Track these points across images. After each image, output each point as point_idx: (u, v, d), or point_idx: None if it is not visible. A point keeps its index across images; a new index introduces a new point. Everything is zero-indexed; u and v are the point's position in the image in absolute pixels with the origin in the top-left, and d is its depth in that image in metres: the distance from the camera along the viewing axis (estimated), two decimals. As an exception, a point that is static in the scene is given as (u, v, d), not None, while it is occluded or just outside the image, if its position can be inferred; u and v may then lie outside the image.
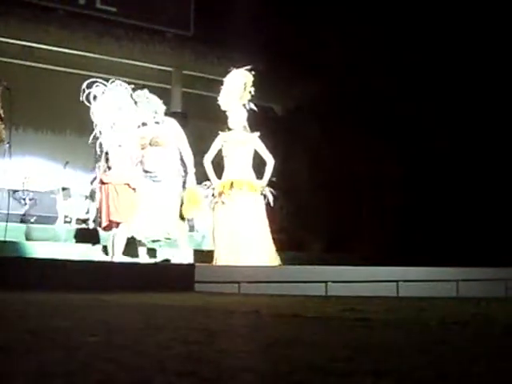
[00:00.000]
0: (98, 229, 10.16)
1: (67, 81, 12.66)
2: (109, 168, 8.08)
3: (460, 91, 11.49)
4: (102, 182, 7.99)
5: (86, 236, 9.65)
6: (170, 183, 8.04)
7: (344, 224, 12.70)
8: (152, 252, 8.55)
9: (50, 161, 12.66)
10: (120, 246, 7.85)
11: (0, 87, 8.51)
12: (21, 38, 11.92)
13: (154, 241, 8.27)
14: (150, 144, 8.09)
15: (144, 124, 8.29)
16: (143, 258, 8.11)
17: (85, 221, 11.43)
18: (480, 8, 11.29)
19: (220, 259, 7.64)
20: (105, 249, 8.52)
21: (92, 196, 11.06)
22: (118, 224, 7.88)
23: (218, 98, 8.23)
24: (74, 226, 10.95)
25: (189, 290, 5.78)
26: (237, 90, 8.18)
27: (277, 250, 8.30)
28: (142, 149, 8.08)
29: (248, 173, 8.04)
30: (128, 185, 7.92)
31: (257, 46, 12.40)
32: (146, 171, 8.06)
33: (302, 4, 13.19)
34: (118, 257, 7.77)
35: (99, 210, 8.25)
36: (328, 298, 5.80)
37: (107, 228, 8.03)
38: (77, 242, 9.33)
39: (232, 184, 7.89)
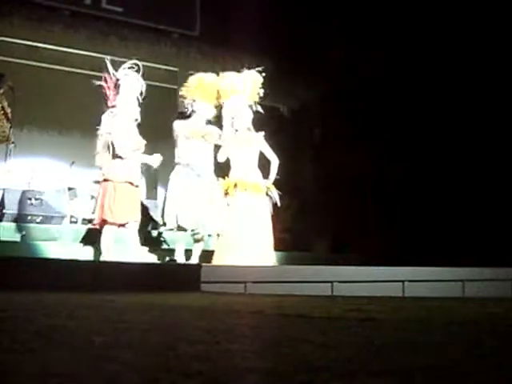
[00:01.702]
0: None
1: (73, 81, 12.67)
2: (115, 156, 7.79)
3: (463, 90, 11.48)
4: (104, 179, 7.81)
5: (92, 236, 9.66)
6: (212, 179, 8.05)
7: (350, 224, 12.69)
8: (161, 252, 8.53)
9: (56, 161, 12.67)
10: (107, 246, 7.76)
11: (5, 87, 8.52)
12: (26, 38, 11.93)
13: (193, 233, 8.15)
14: (203, 137, 8.05)
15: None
16: (180, 255, 8.01)
17: (91, 221, 11.43)
18: (481, 8, 11.29)
19: (220, 259, 7.65)
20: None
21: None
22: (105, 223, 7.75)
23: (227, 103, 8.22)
24: (81, 226, 10.96)
25: (195, 290, 5.79)
26: (246, 91, 8.19)
27: (282, 250, 8.30)
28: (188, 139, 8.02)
29: (253, 173, 8.04)
30: (131, 183, 7.81)
31: (263, 46, 12.40)
32: (187, 164, 8.00)
33: (307, 4, 13.19)
34: (107, 257, 7.67)
35: (95, 206, 8.08)
36: (334, 298, 5.80)
37: (99, 226, 7.89)
38: (83, 241, 9.33)
39: (236, 185, 7.90)
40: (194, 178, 7.94)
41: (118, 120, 7.79)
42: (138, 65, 7.97)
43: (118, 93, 7.88)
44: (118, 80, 7.89)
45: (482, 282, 7.55)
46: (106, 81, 7.92)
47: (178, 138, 8.05)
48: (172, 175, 8.07)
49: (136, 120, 7.96)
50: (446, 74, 11.73)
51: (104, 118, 7.86)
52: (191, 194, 7.83)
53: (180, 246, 8.09)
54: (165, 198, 8.28)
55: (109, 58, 7.98)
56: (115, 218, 7.67)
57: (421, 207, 11.98)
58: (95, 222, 7.94)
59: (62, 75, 12.70)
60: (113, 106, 7.87)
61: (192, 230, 8.01)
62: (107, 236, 7.78)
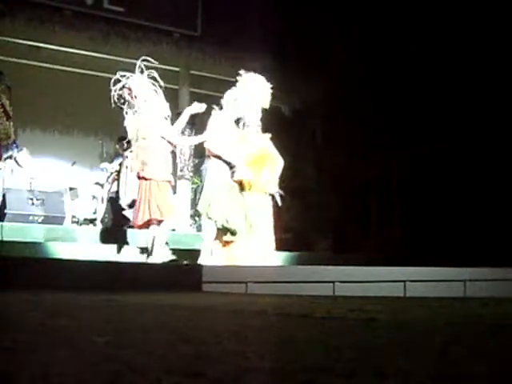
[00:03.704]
0: (106, 228, 10.19)
1: (74, 81, 12.69)
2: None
3: (465, 89, 11.47)
4: (144, 178, 7.66)
5: (94, 236, 9.67)
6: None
7: (351, 224, 12.69)
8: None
9: (57, 161, 12.69)
10: (162, 245, 7.68)
11: (2, 85, 8.52)
12: (28, 38, 11.93)
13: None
14: None
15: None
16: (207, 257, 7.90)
17: (92, 221, 11.46)
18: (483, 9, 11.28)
19: (224, 258, 7.63)
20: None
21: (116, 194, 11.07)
22: (158, 222, 7.66)
23: (240, 101, 8.15)
24: (82, 226, 10.98)
25: (196, 290, 5.79)
26: (262, 97, 8.21)
27: (284, 250, 8.27)
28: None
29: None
30: (169, 182, 7.79)
31: (264, 46, 12.40)
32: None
33: (309, 4, 13.19)
34: (159, 258, 7.59)
35: (137, 207, 7.80)
36: (335, 298, 5.80)
37: (143, 226, 7.76)
38: (84, 242, 9.34)
39: (241, 183, 7.89)
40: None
41: (149, 120, 7.72)
42: (147, 60, 7.94)
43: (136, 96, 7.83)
44: (130, 88, 7.85)
45: (484, 282, 7.53)
46: (129, 89, 7.86)
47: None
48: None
49: (168, 116, 7.96)
50: (446, 74, 11.73)
51: (131, 121, 7.77)
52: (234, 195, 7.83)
53: (207, 247, 7.94)
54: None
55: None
56: (163, 215, 7.59)
57: (422, 207, 11.97)
58: (141, 222, 7.71)
59: (63, 75, 12.71)
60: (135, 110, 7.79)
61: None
62: (162, 234, 7.67)
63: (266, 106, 8.26)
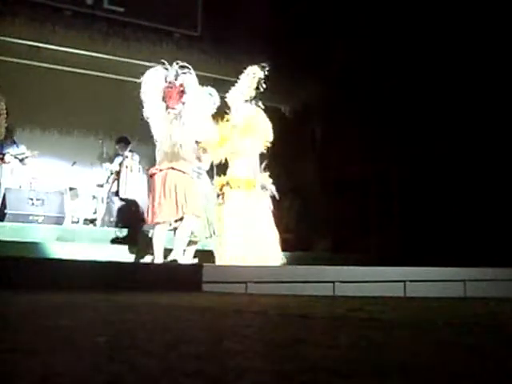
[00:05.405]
0: (106, 228, 10.19)
1: (74, 81, 12.68)
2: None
3: (464, 90, 11.47)
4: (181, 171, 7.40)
5: (94, 236, 9.67)
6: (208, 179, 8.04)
7: (351, 224, 12.68)
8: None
9: (57, 161, 12.69)
10: (162, 246, 7.48)
11: None
12: (27, 38, 11.92)
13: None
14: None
15: None
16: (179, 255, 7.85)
17: (92, 221, 11.46)
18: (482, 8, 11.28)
19: (225, 259, 7.61)
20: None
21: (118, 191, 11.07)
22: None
23: (227, 95, 8.19)
24: (82, 226, 10.98)
25: (196, 290, 5.79)
26: (241, 85, 8.16)
27: (284, 250, 8.27)
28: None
29: (247, 171, 7.97)
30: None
31: (264, 46, 12.39)
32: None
33: (309, 4, 13.19)
34: (160, 257, 7.47)
35: (155, 202, 7.41)
36: (335, 298, 5.79)
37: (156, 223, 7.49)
38: (84, 242, 9.34)
39: (228, 183, 7.86)
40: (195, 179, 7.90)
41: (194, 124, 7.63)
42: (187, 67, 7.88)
43: (181, 96, 7.71)
44: (181, 85, 7.76)
45: (484, 282, 7.54)
46: (172, 86, 7.72)
47: None
48: None
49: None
50: (447, 74, 11.73)
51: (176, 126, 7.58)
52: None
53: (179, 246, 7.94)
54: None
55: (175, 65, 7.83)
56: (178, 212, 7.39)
57: (422, 207, 11.96)
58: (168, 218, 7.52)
59: (63, 75, 12.71)
60: (173, 108, 7.64)
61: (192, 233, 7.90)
62: (162, 234, 7.50)
63: (252, 94, 8.16)
